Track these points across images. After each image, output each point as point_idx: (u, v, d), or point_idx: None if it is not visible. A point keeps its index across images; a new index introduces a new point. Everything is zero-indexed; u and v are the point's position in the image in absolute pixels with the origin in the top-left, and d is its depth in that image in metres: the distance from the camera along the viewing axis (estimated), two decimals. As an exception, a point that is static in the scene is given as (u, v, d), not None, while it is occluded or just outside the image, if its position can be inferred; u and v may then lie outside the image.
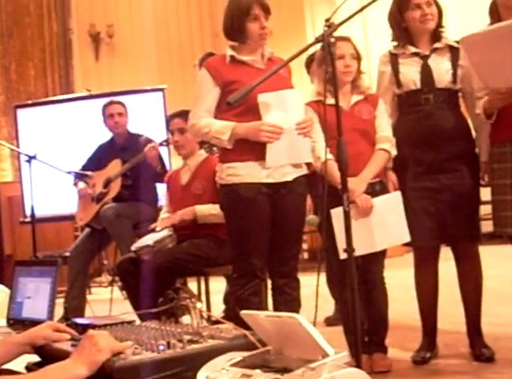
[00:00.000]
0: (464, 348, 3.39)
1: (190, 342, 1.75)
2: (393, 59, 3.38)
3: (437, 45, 3.35)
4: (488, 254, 3.76)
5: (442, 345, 3.45)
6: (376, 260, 3.27)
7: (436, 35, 3.36)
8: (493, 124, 3.18)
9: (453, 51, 3.32)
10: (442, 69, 3.30)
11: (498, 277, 4.35)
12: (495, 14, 3.17)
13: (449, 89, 3.30)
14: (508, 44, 2.85)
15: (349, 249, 2.44)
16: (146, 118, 6.49)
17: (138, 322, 2.14)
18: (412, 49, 3.35)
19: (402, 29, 3.37)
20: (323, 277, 4.00)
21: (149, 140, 4.92)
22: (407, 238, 3.22)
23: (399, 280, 3.90)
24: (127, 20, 10.74)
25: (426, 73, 3.30)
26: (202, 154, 4.21)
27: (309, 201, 3.83)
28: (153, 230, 4.09)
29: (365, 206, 3.15)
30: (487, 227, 3.48)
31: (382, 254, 3.29)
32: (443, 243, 3.43)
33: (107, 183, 5.03)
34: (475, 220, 3.34)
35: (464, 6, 7.77)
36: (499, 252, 4.11)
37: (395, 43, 3.42)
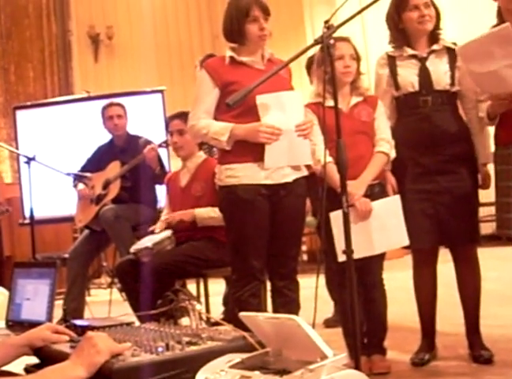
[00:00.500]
0: (463, 350, 3.39)
1: (189, 344, 1.75)
2: (391, 61, 3.38)
3: (435, 47, 3.35)
4: (488, 256, 3.76)
5: (441, 347, 3.45)
6: (375, 262, 3.27)
7: (434, 37, 3.36)
8: (497, 126, 3.19)
9: (451, 53, 3.32)
10: (440, 71, 3.30)
11: (497, 279, 4.35)
12: (501, 17, 3.18)
13: (448, 91, 3.30)
14: (501, 50, 2.86)
15: (348, 251, 2.44)
16: (145, 120, 6.50)
17: (137, 324, 2.13)
18: (410, 51, 3.35)
19: (400, 30, 3.37)
20: (322, 279, 4.00)
21: (148, 142, 4.92)
22: (405, 242, 3.21)
23: (398, 282, 3.90)
24: (126, 22, 10.74)
25: (424, 75, 3.30)
26: (201, 155, 4.21)
27: (308, 203, 3.83)
28: (152, 232, 4.09)
29: (364, 209, 3.14)
30: (486, 228, 3.48)
31: (380, 256, 3.29)
32: (442, 245, 3.43)
33: (107, 185, 5.03)
34: (474, 222, 3.34)
35: (462, 7, 7.78)
36: (499, 254, 4.11)
37: (393, 45, 3.42)
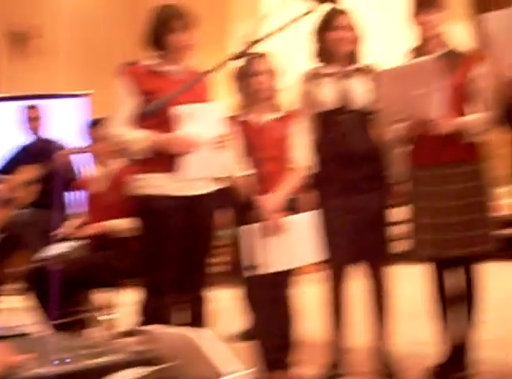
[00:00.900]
0: (373, 366, 3.43)
1: (91, 356, 1.71)
2: (313, 78, 3.42)
3: (354, 66, 3.41)
4: (401, 274, 3.83)
5: (352, 362, 3.48)
6: (283, 277, 3.27)
7: (354, 58, 3.42)
8: (414, 148, 3.27)
9: (370, 74, 3.39)
10: (358, 91, 3.36)
11: (409, 296, 4.42)
12: (421, 42, 3.30)
13: (365, 110, 3.37)
14: (422, 79, 3.00)
15: (255, 266, 2.44)
16: (70, 124, 6.36)
17: (41, 333, 2.08)
18: (331, 69, 3.40)
19: (322, 49, 3.43)
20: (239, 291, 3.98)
21: (62, 147, 4.86)
22: (321, 257, 3.25)
23: (313, 296, 3.92)
24: (53, 21, 10.51)
25: (343, 93, 3.36)
26: (118, 163, 4.14)
27: (229, 215, 3.82)
28: (64, 239, 4.00)
29: (277, 224, 3.14)
30: (399, 246, 3.54)
31: (288, 272, 3.29)
32: (357, 261, 3.47)
33: (20, 188, 4.90)
34: (387, 240, 3.42)
35: (384, 31, 7.96)
36: (412, 271, 4.18)
37: (316, 62, 3.47)
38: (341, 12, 3.36)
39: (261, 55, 3.29)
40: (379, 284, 3.43)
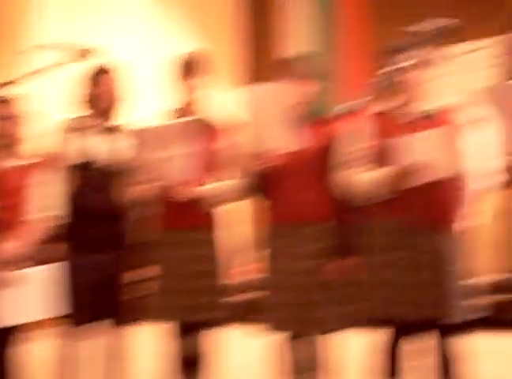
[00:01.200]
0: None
1: None
2: (67, 130, 3.39)
3: (109, 124, 3.42)
4: (142, 332, 3.81)
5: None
6: (10, 332, 3.12)
7: (111, 115, 3.43)
8: (160, 210, 3.31)
9: (123, 132, 3.42)
10: (106, 148, 3.37)
11: (150, 357, 4.40)
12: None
13: (111, 169, 3.37)
14: (168, 143, 3.11)
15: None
16: None
17: None
18: (86, 123, 3.39)
19: (84, 102, 3.42)
20: None
21: None
22: (57, 313, 3.16)
23: (47, 353, 3.76)
24: None
25: (91, 149, 3.35)
26: None
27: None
28: None
29: (8, 276, 3.03)
30: (141, 306, 3.54)
31: (19, 327, 3.15)
32: (97, 319, 3.40)
33: None
34: (129, 299, 3.40)
35: (154, 90, 8.07)
36: (154, 331, 4.19)
37: (76, 113, 3.44)
38: (105, 69, 3.40)
39: (5, 100, 3.19)
40: (119, 344, 3.41)
